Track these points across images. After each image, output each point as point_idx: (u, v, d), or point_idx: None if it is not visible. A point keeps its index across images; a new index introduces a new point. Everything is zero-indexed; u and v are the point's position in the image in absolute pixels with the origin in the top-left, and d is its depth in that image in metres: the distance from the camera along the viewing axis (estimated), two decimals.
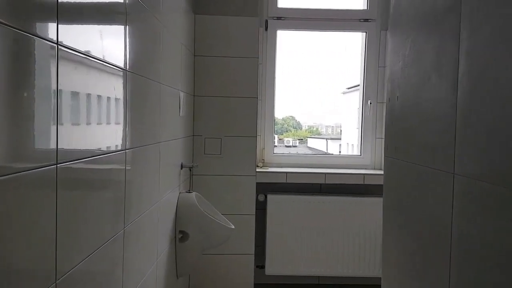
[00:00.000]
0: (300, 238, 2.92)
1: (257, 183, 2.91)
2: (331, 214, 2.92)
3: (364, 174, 2.94)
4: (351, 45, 3.89)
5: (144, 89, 1.74)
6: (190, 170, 2.56)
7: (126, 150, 1.51)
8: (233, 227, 2.48)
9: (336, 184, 2.99)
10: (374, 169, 3.17)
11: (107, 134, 1.37)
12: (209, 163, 2.88)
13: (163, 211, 2.12)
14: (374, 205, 2.92)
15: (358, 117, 3.40)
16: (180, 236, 2.41)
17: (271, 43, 3.12)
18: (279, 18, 3.13)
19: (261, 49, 3.03)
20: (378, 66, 3.16)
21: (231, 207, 2.90)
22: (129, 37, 1.51)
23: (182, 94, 2.45)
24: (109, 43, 1.35)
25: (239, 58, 2.86)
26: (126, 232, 1.51)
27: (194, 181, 2.75)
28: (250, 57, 2.87)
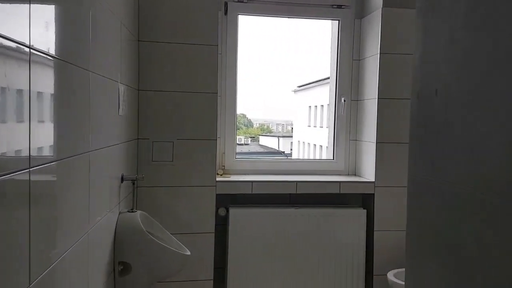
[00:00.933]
0: (268, 259, 2.48)
1: (217, 194, 2.44)
2: (304, 229, 2.50)
3: (340, 181, 2.55)
4: (316, 35, 3.51)
5: (63, 78, 1.23)
6: (134, 183, 2.05)
7: (31, 168, 1.00)
8: (188, 253, 2.00)
9: (309, 194, 2.58)
10: (348, 175, 2.80)
11: None
12: (158, 173, 2.38)
13: (97, 241, 1.61)
14: (351, 217, 2.54)
15: (329, 116, 3.01)
16: (120, 268, 1.90)
17: (231, 30, 2.66)
18: (240, 1, 2.67)
19: (219, 36, 2.56)
20: (352, 59, 2.78)
21: (185, 225, 2.41)
22: (34, 4, 1.01)
23: (122, 88, 1.94)
24: None
25: (195, 45, 2.38)
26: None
27: (139, 197, 2.24)
28: (209, 44, 2.39)
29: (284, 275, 2.50)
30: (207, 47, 2.39)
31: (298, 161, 2.83)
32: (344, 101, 2.77)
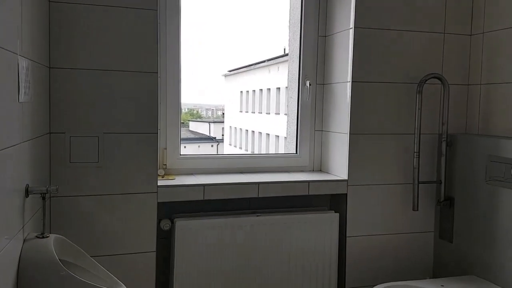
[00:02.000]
0: (224, 280, 2.02)
1: (159, 203, 1.92)
2: (267, 241, 2.07)
3: (308, 181, 2.14)
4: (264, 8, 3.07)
5: None
6: (44, 197, 1.47)
7: None
8: (123, 287, 1.48)
9: (272, 197, 2.14)
10: (313, 171, 2.40)
11: None
12: (79, 178, 1.81)
13: None
14: (322, 223, 2.14)
15: (288, 103, 2.60)
16: None
17: None
18: None
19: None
20: (317, 35, 2.36)
21: (118, 245, 1.87)
22: None
23: (24, 63, 1.35)
24: None
25: (127, 9, 1.81)
26: None
27: (53, 212, 1.67)
28: (144, 8, 1.84)
29: None
30: (143, 12, 1.83)
31: (255, 156, 2.38)
32: (310, 85, 2.35)
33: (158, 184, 1.92)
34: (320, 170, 2.40)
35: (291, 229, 2.10)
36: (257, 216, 2.07)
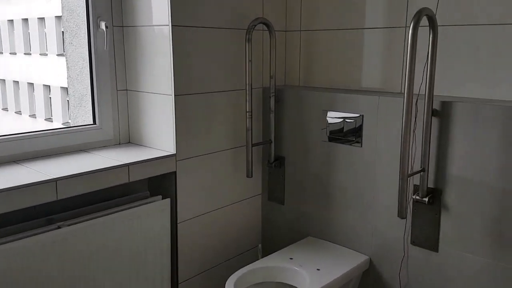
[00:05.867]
0: None
1: None
2: (81, 256, 1.44)
3: (128, 164, 1.55)
4: None
5: None
6: None
7: None
8: None
9: (77, 196, 1.47)
10: (120, 144, 1.81)
11: None
12: None
13: None
14: (149, 215, 1.63)
15: (69, 50, 1.85)
16: None
17: None
18: None
19: None
20: None
21: None
22: None
23: None
24: None
25: None
26: None
27: None
28: None
29: None
30: None
31: (32, 135, 1.58)
32: (107, 27, 1.67)
33: None
34: (129, 142, 1.83)
35: (108, 232, 1.51)
36: (58, 228, 1.40)
